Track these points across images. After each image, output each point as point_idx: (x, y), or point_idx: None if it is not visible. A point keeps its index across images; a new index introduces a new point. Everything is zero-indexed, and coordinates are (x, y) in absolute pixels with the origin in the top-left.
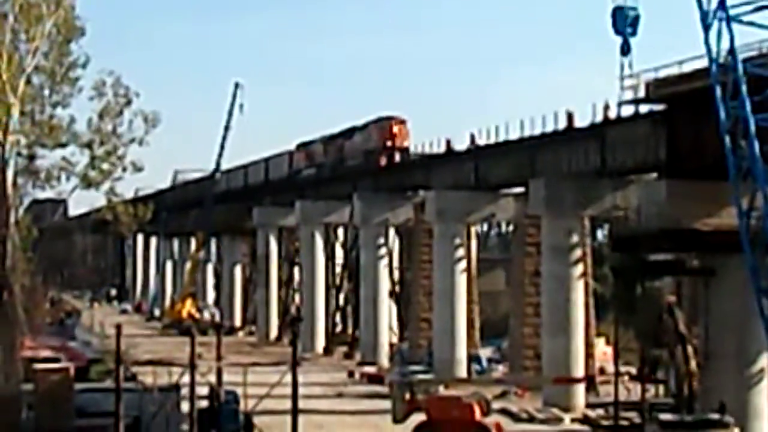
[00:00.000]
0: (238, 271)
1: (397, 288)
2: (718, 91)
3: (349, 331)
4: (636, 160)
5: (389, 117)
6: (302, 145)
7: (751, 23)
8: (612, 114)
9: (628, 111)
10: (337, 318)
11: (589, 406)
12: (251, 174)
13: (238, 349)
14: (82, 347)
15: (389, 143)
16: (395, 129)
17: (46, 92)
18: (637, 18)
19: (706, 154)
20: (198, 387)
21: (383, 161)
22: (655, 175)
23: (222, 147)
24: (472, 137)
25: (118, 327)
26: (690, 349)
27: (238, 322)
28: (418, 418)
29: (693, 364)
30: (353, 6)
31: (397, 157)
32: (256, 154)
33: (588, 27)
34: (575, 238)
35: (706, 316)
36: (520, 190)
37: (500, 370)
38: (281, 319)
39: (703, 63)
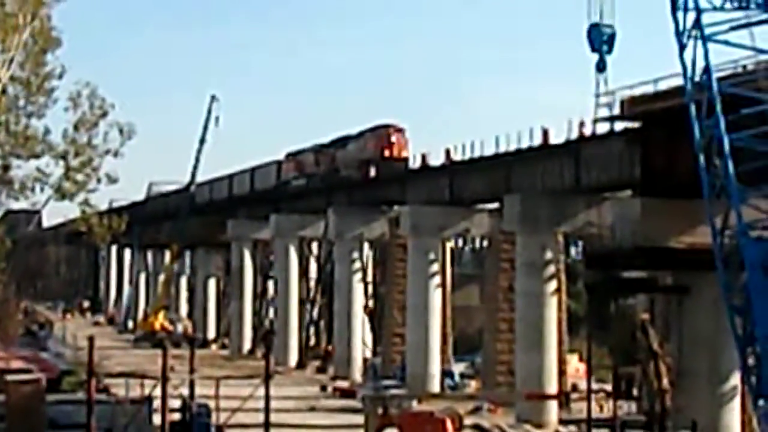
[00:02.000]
0: (212, 284)
1: (370, 302)
2: (693, 109)
3: (323, 345)
4: (610, 178)
5: (386, 125)
6: (292, 155)
7: (726, 42)
8: (587, 131)
9: (603, 128)
10: (311, 332)
11: (561, 422)
12: (236, 184)
13: (210, 362)
14: (54, 359)
15: (387, 153)
16: (393, 138)
17: (22, 102)
18: (612, 35)
19: (680, 172)
20: (170, 400)
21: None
22: (629, 192)
23: (197, 160)
24: (447, 152)
25: (91, 339)
26: (663, 366)
27: (211, 335)
28: None
29: (665, 381)
30: (335, 17)
31: (372, 171)
32: (241, 165)
33: (564, 43)
34: (549, 255)
35: (679, 334)
36: (494, 205)
37: (473, 385)
38: (255, 333)
39: (678, 81)
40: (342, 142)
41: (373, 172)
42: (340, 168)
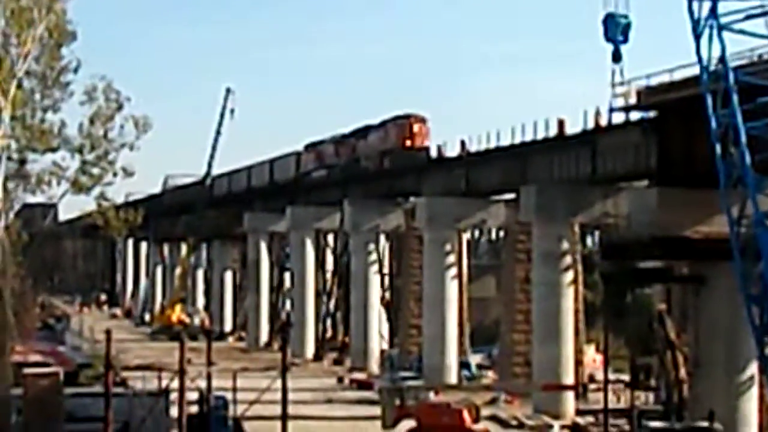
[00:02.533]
0: (228, 276)
1: (387, 294)
2: (709, 99)
3: (339, 337)
4: (627, 168)
5: (408, 115)
6: (311, 146)
7: (741, 32)
8: (603, 121)
9: (619, 118)
10: (327, 324)
11: (578, 413)
12: (255, 176)
13: (228, 354)
14: (71, 352)
15: (408, 143)
16: (415, 128)
17: (38, 96)
18: (628, 25)
19: (696, 162)
20: (187, 392)
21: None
22: (645, 182)
23: (213, 152)
24: (463, 144)
25: (108, 332)
26: (680, 356)
27: (228, 328)
28: (408, 424)
29: (682, 371)
30: (348, 11)
31: (386, 162)
32: (259, 157)
33: (580, 34)
34: (566, 245)
35: (696, 323)
36: (510, 196)
37: (490, 376)
38: (271, 325)
39: (694, 71)
40: (363, 132)
41: (386, 163)
42: (360, 158)
